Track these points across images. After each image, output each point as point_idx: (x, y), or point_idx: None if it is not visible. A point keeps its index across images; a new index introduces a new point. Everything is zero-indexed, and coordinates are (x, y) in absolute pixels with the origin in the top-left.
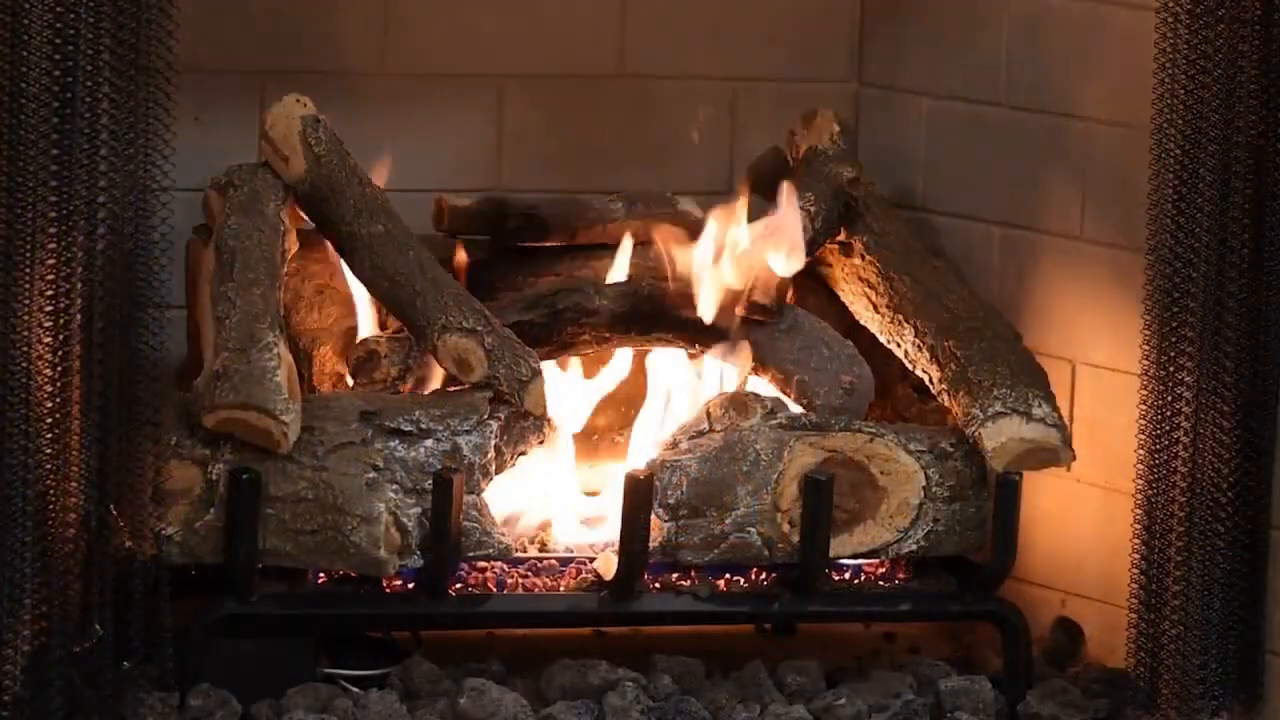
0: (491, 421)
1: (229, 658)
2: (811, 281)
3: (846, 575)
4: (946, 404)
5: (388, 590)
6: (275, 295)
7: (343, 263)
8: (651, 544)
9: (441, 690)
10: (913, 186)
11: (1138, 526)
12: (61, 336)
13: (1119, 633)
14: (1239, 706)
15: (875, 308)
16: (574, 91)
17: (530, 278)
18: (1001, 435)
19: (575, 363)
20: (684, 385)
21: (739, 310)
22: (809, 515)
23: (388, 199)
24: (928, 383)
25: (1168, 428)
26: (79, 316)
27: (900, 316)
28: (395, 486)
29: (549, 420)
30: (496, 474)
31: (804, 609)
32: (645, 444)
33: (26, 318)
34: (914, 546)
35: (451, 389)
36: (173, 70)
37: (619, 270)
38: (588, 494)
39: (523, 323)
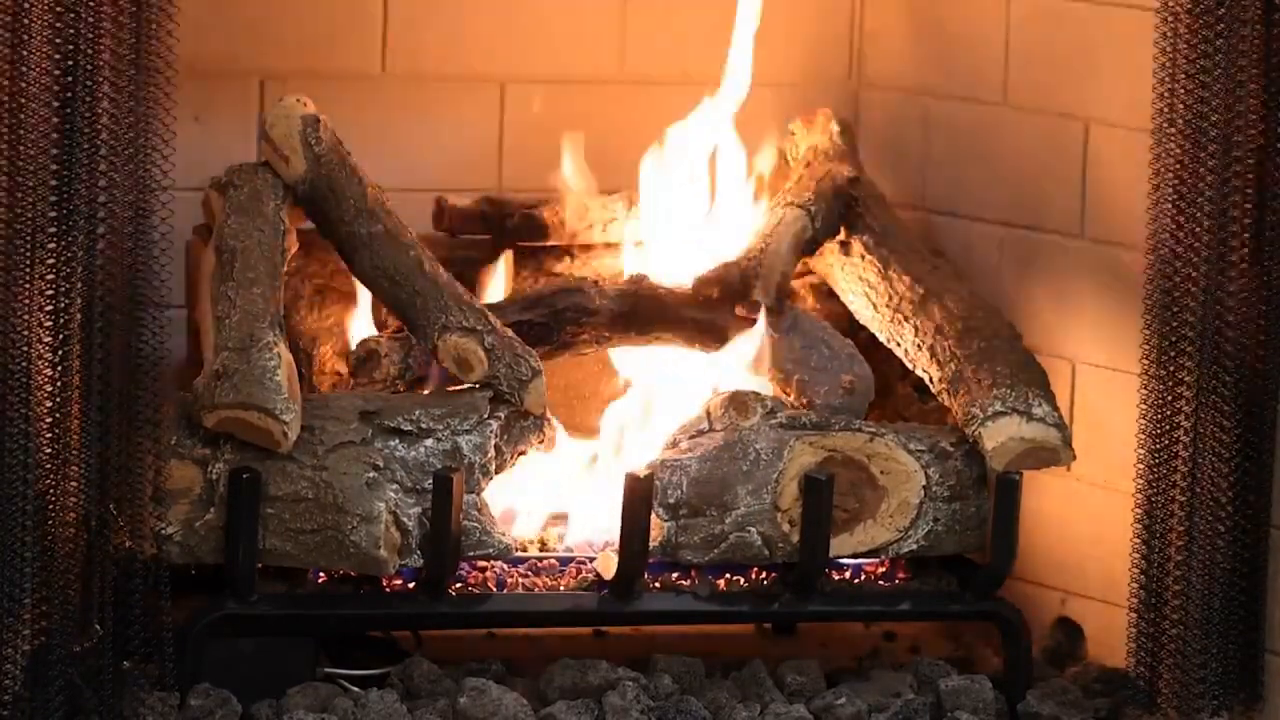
0: (491, 421)
1: (229, 658)
2: (811, 281)
3: (846, 575)
4: (946, 403)
5: (388, 590)
6: (275, 295)
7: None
8: (651, 544)
9: (441, 690)
10: (913, 186)
11: (1138, 526)
12: (61, 336)
13: (1119, 633)
14: (1239, 706)
15: (875, 307)
16: (574, 92)
17: (530, 277)
18: (1001, 435)
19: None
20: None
21: (739, 310)
22: (809, 515)
23: (388, 199)
24: (928, 382)
25: (1168, 427)
26: (79, 316)
27: (900, 316)
28: (395, 486)
29: (548, 420)
30: (496, 474)
31: (804, 609)
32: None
33: (26, 318)
34: (914, 546)
35: (451, 388)
36: (173, 70)
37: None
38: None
39: (523, 322)
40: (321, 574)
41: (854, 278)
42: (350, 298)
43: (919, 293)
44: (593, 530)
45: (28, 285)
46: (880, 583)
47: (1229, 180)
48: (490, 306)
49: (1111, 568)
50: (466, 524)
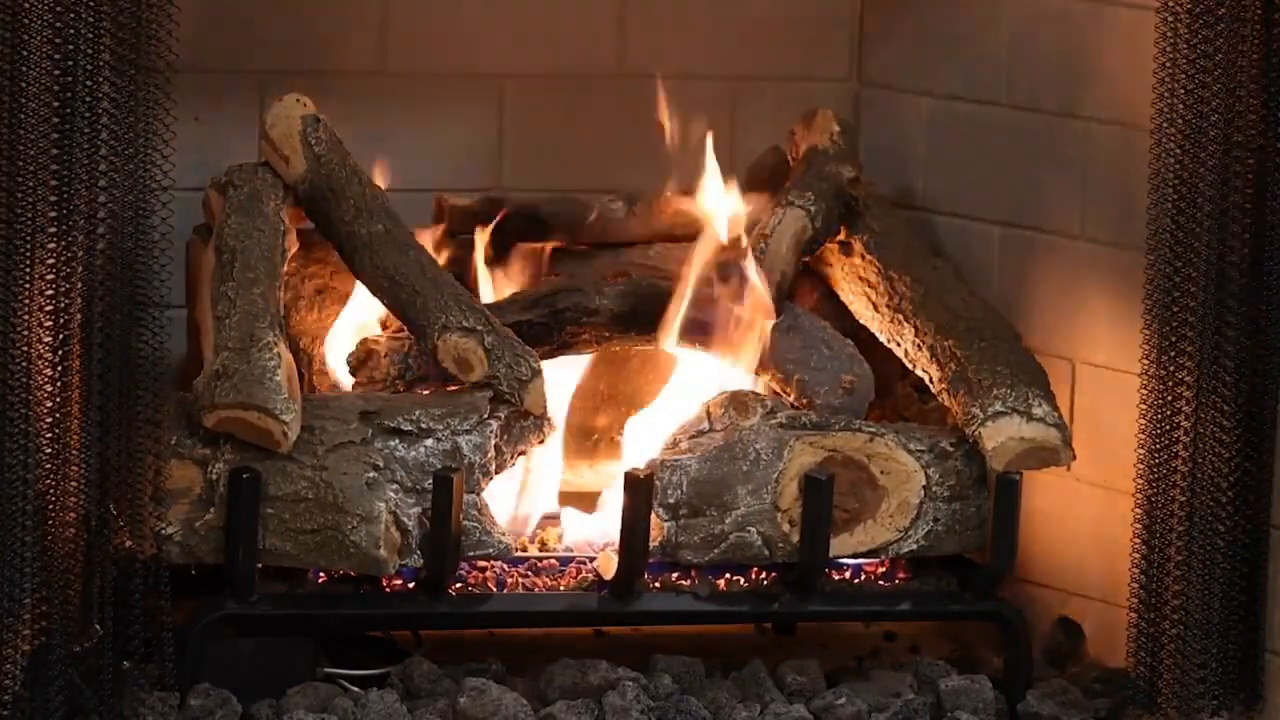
0: (491, 421)
1: (229, 658)
2: (811, 281)
3: (846, 575)
4: (946, 403)
5: (388, 590)
6: (275, 295)
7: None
8: (651, 544)
9: (441, 690)
10: (913, 186)
11: (1138, 526)
12: (61, 336)
13: (1119, 632)
14: (1239, 706)
15: (875, 307)
16: (574, 91)
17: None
18: (1001, 435)
19: None
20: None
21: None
22: (809, 515)
23: (388, 199)
24: (928, 382)
25: (1168, 428)
26: (79, 316)
27: (900, 316)
28: (395, 486)
29: (548, 419)
30: (496, 473)
31: (804, 609)
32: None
33: (26, 318)
34: (914, 546)
35: (451, 388)
36: (173, 70)
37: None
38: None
39: (523, 322)
40: (321, 574)
41: (854, 278)
42: (350, 298)
43: (919, 293)
44: (592, 530)
45: (28, 285)
46: (880, 583)
47: (1229, 180)
48: (490, 306)
49: (1111, 568)
50: (466, 524)
